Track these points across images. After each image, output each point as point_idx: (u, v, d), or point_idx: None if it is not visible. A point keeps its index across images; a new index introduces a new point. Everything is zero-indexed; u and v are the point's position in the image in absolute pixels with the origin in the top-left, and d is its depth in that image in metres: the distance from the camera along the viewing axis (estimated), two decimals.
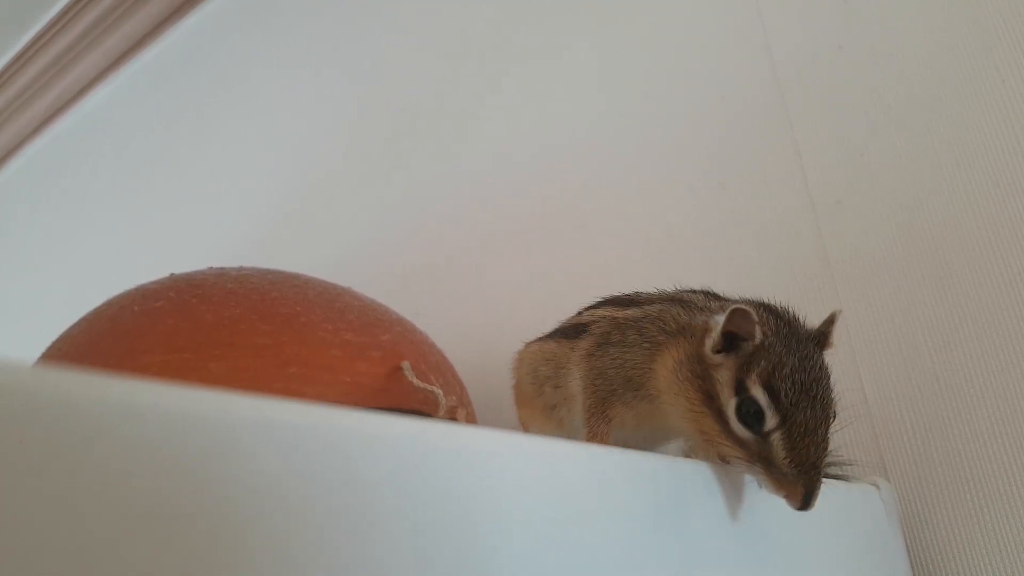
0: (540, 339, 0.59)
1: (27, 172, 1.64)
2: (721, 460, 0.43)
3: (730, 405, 0.41)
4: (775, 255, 0.75)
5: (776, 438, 0.40)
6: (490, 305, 0.93)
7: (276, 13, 1.26)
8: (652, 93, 0.86)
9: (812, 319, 0.47)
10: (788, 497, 0.40)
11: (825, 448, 0.41)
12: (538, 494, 0.29)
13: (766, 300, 0.47)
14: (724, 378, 0.42)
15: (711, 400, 0.42)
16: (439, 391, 0.61)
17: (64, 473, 0.17)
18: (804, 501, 0.40)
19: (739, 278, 0.75)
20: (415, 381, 0.61)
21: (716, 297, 0.50)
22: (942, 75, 0.70)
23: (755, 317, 0.42)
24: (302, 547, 0.20)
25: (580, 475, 0.32)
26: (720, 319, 0.43)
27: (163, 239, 1.33)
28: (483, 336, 0.90)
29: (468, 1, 1.05)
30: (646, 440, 0.50)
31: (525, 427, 0.58)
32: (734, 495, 0.43)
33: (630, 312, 0.50)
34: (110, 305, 0.63)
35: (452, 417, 0.60)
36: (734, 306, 0.42)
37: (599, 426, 0.49)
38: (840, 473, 0.55)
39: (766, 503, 0.42)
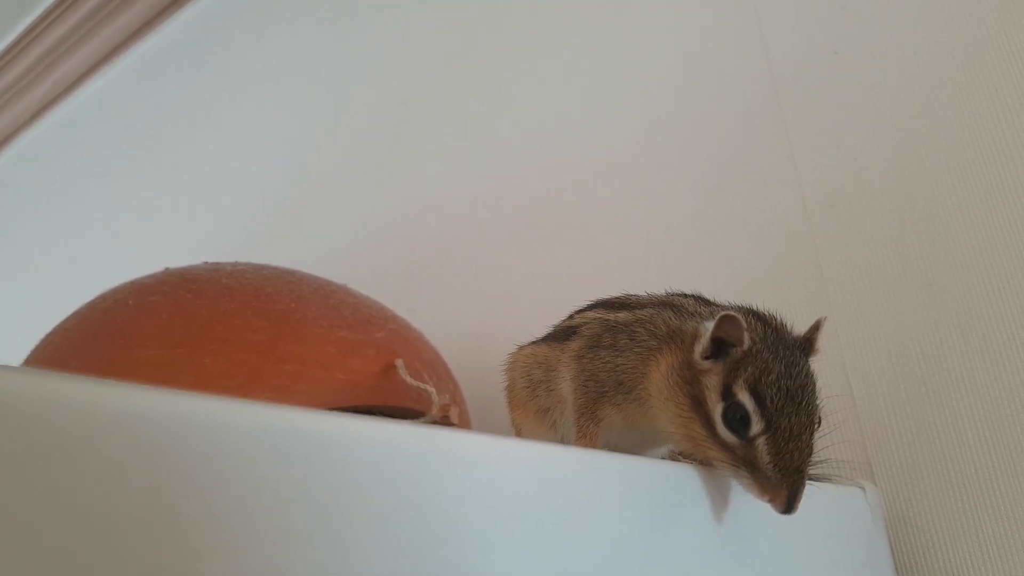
0: (533, 343, 0.59)
1: (19, 164, 1.63)
2: (706, 464, 0.44)
3: (717, 410, 0.42)
4: (769, 258, 0.76)
5: (761, 443, 0.41)
6: (485, 303, 0.93)
7: (272, 6, 1.25)
8: (650, 95, 0.87)
9: (802, 323, 0.47)
10: (772, 501, 0.41)
11: (809, 453, 0.42)
12: (527, 498, 0.29)
13: (754, 306, 0.48)
14: (712, 384, 0.43)
15: (699, 405, 0.43)
16: (432, 389, 0.61)
17: (59, 478, 0.17)
18: (787, 505, 0.41)
19: (733, 280, 0.76)
20: (408, 379, 0.61)
21: (706, 302, 0.51)
22: (936, 82, 0.71)
23: (744, 324, 0.42)
24: (292, 551, 0.21)
25: (568, 479, 0.32)
26: (709, 325, 0.43)
27: (158, 233, 1.33)
28: (478, 334, 0.90)
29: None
30: (634, 444, 0.50)
31: (518, 430, 0.58)
32: (722, 498, 0.43)
33: (621, 315, 0.50)
34: (104, 298, 0.63)
35: (445, 415, 0.61)
36: (723, 313, 0.42)
37: (589, 426, 0.49)
38: (825, 475, 0.55)
39: (753, 506, 0.43)
